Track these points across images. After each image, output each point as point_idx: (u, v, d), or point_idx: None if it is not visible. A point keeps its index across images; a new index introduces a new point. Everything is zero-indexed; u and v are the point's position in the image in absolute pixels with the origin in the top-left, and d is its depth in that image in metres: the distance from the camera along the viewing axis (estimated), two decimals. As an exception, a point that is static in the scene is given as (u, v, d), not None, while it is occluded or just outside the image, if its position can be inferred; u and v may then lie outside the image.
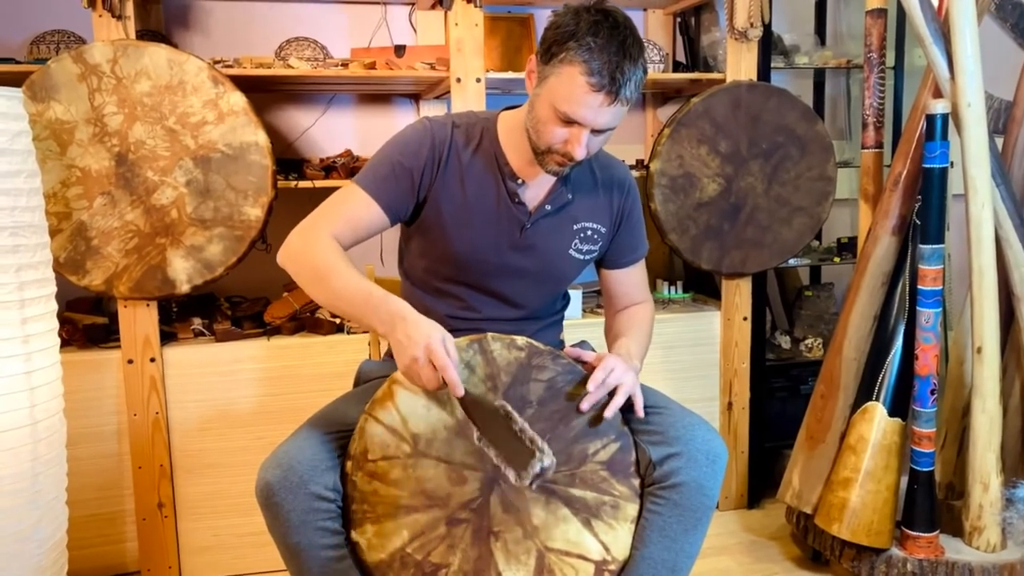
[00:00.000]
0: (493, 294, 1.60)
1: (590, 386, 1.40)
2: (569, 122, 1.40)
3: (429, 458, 1.37)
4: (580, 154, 1.42)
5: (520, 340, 1.43)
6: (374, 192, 1.49)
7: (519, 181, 1.55)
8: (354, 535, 1.36)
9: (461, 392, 1.28)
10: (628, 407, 1.44)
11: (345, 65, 2.31)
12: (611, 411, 1.40)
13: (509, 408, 1.31)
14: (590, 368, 1.44)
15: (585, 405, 1.40)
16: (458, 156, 1.54)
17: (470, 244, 1.55)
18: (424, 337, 1.26)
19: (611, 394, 1.42)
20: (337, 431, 1.41)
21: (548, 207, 1.57)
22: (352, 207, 1.49)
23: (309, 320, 2.33)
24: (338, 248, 1.43)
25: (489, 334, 1.43)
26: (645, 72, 1.40)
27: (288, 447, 1.36)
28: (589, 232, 1.61)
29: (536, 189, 1.57)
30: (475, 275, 1.58)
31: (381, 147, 1.55)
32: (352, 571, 1.36)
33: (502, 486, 1.38)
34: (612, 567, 1.38)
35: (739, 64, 2.47)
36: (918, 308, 2.01)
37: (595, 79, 1.35)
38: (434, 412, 1.38)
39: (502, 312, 1.61)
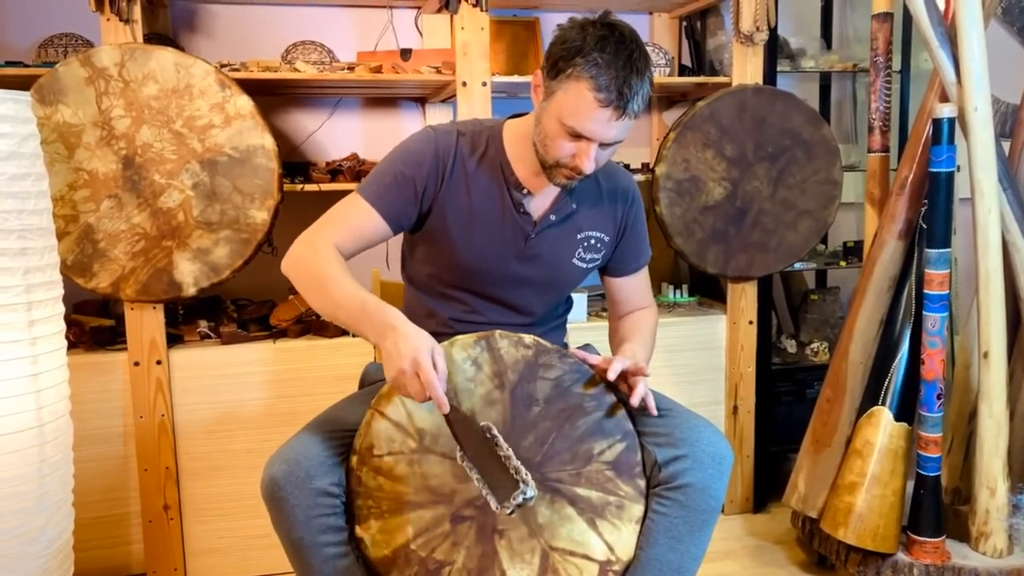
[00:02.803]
0: (497, 301, 1.61)
1: (612, 368, 1.39)
2: (577, 136, 1.40)
3: (434, 454, 1.38)
4: (588, 168, 1.42)
5: (528, 338, 1.43)
6: (376, 202, 1.50)
7: (524, 191, 1.55)
8: (358, 531, 1.36)
9: (447, 409, 1.28)
10: (639, 409, 1.44)
11: (351, 68, 2.31)
12: (637, 399, 1.38)
13: (495, 431, 1.31)
14: (599, 370, 1.44)
15: (612, 374, 1.38)
16: (463, 165, 1.54)
17: (474, 253, 1.55)
18: (412, 350, 1.25)
19: (621, 398, 1.42)
20: (343, 430, 1.41)
21: (552, 217, 1.57)
22: (354, 217, 1.50)
23: (315, 323, 2.34)
24: (338, 257, 1.44)
25: (497, 331, 1.43)
26: (652, 85, 1.41)
27: (294, 444, 1.37)
28: (593, 241, 1.62)
29: (541, 199, 1.57)
30: (479, 283, 1.59)
31: (385, 156, 1.56)
32: (356, 568, 1.36)
33: None
34: (616, 567, 1.38)
35: (745, 68, 2.47)
36: (924, 312, 2.00)
37: (603, 94, 1.35)
38: None
39: (506, 317, 1.61)
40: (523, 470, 1.28)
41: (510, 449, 1.30)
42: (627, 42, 1.37)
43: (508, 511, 1.26)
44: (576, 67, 1.36)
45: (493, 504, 1.27)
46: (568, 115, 1.38)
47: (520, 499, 1.25)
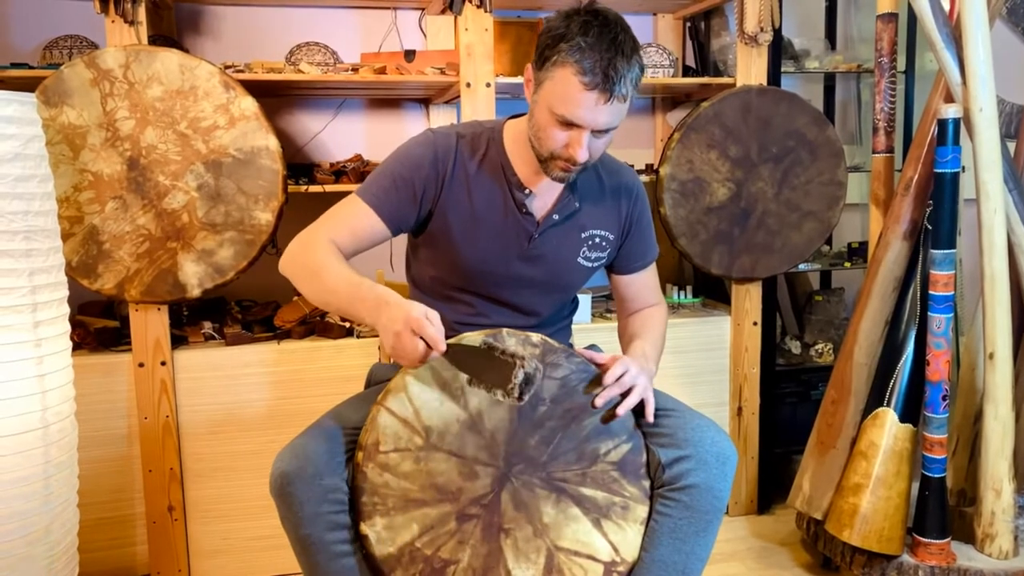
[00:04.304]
0: (502, 303, 1.60)
1: (606, 380, 1.41)
2: (568, 125, 1.39)
3: (441, 452, 1.38)
4: (582, 157, 1.41)
5: (535, 337, 1.43)
6: (375, 204, 1.49)
7: (526, 191, 1.54)
8: (363, 527, 1.36)
9: (443, 347, 1.29)
10: (639, 411, 1.44)
11: (355, 70, 2.32)
12: (624, 409, 1.40)
13: (491, 340, 1.32)
14: (604, 369, 1.44)
15: (599, 401, 1.41)
16: (464, 168, 1.53)
17: (478, 255, 1.55)
18: (404, 312, 1.26)
19: (624, 394, 1.42)
20: (352, 427, 1.42)
21: (556, 216, 1.56)
22: (352, 217, 1.49)
23: (319, 324, 2.34)
24: (334, 249, 1.43)
25: (504, 329, 1.43)
26: (642, 69, 1.39)
27: (304, 440, 1.37)
28: (597, 240, 1.61)
29: (543, 198, 1.57)
30: (483, 285, 1.58)
31: (385, 159, 1.56)
32: (363, 565, 1.36)
33: (514, 483, 1.38)
34: (621, 568, 1.38)
35: (749, 68, 2.47)
36: (929, 313, 2.00)
37: (588, 78, 1.34)
38: (447, 406, 1.38)
39: (511, 319, 1.60)
40: (521, 351, 1.29)
41: (508, 346, 1.31)
42: (612, 25, 1.36)
43: (517, 394, 1.27)
44: (560, 53, 1.35)
45: (501, 396, 1.28)
46: (557, 103, 1.38)
47: (521, 375, 1.27)
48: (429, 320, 1.27)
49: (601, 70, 1.33)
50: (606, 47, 1.34)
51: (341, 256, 1.43)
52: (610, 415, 1.42)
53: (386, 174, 1.52)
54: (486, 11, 2.26)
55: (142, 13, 2.06)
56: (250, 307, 2.51)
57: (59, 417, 1.72)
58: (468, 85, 2.28)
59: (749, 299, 2.58)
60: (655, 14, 2.88)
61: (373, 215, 1.49)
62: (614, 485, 1.40)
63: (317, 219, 1.51)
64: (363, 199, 1.50)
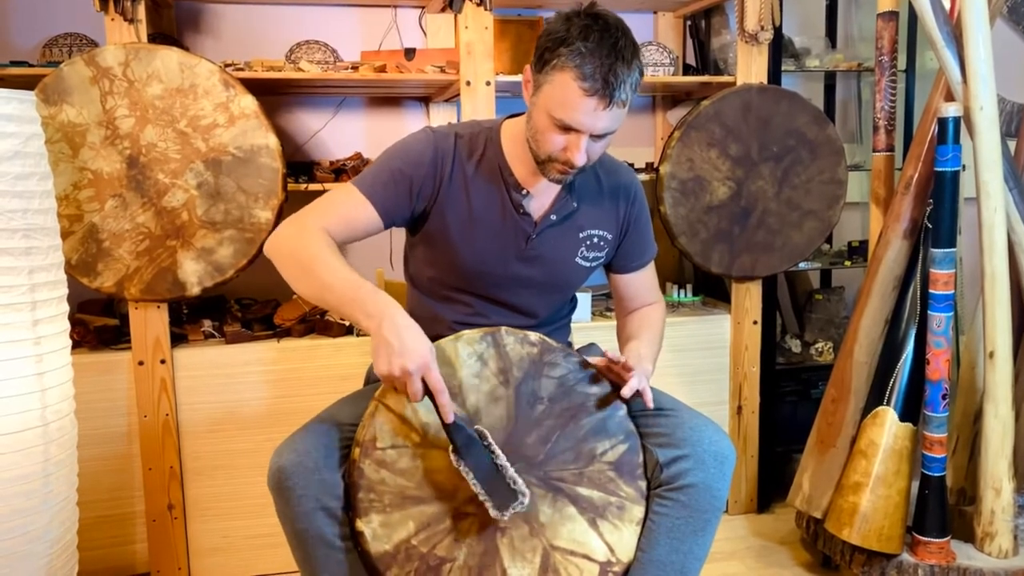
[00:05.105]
0: (500, 303, 1.60)
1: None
2: (567, 129, 1.39)
3: (438, 449, 1.37)
4: (580, 161, 1.41)
5: (533, 336, 1.43)
6: (371, 195, 1.48)
7: (524, 191, 1.54)
8: (359, 524, 1.36)
9: (452, 419, 1.30)
10: (638, 411, 1.44)
11: (355, 68, 2.32)
12: (629, 390, 1.39)
13: (490, 439, 1.33)
14: (601, 370, 1.44)
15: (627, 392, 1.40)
16: (462, 168, 1.53)
17: (476, 256, 1.54)
18: (421, 353, 1.26)
19: (619, 392, 1.42)
20: (350, 423, 1.42)
21: (553, 217, 1.56)
22: (347, 206, 1.47)
23: (319, 322, 2.34)
24: (329, 240, 1.41)
25: (503, 328, 1.43)
26: (641, 73, 1.39)
27: (303, 434, 1.37)
28: (595, 239, 1.61)
29: (541, 199, 1.56)
30: (481, 285, 1.58)
31: (382, 153, 1.54)
32: (358, 563, 1.36)
33: None
34: (616, 568, 1.38)
35: (749, 67, 2.46)
36: (929, 312, 2.00)
37: (588, 83, 1.33)
38: None
39: (510, 319, 1.60)
40: (519, 479, 1.31)
41: (504, 458, 1.33)
42: (612, 30, 1.35)
43: (504, 518, 1.31)
44: (560, 57, 1.34)
45: (491, 511, 1.30)
46: (555, 107, 1.37)
47: (519, 508, 1.30)
48: (441, 385, 1.28)
49: (601, 76, 1.33)
50: (606, 52, 1.33)
51: (335, 247, 1.40)
52: (607, 398, 1.42)
53: (384, 167, 1.51)
54: (486, 9, 2.26)
55: (142, 11, 2.06)
56: (250, 305, 2.51)
57: (58, 415, 1.72)
58: (468, 83, 2.28)
59: (749, 298, 2.58)
60: (655, 12, 2.88)
61: (369, 206, 1.47)
62: (610, 485, 1.40)
63: (308, 205, 1.47)
64: (360, 189, 1.48)
